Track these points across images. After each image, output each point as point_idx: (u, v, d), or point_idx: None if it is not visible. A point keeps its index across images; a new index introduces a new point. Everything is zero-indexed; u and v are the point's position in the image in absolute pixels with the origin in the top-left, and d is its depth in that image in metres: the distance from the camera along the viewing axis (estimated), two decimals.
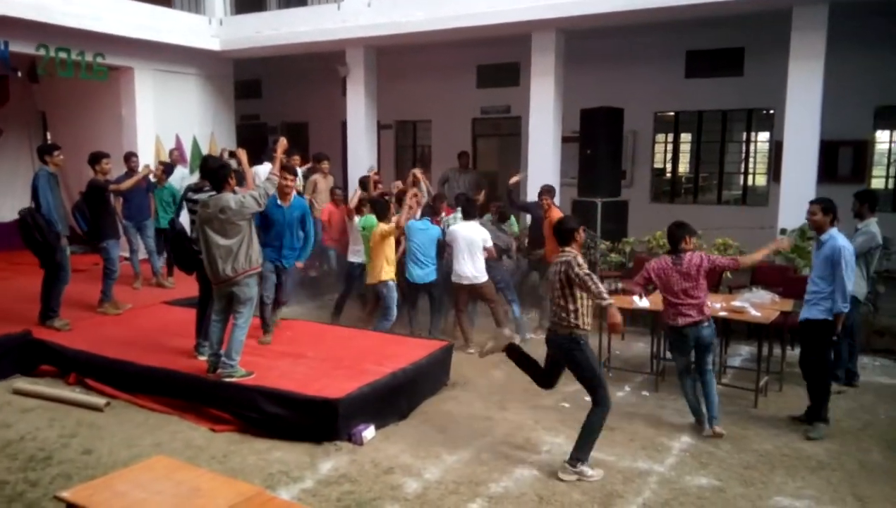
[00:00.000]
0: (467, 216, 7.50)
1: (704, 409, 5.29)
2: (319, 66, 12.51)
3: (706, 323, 5.21)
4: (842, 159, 10.75)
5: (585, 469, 4.54)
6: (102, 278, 7.67)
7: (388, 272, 7.17)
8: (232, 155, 8.48)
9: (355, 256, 8.02)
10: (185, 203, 6.64)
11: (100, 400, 5.66)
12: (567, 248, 4.67)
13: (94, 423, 5.35)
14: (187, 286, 8.65)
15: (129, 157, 9.21)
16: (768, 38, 9.54)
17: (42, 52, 9.55)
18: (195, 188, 6.40)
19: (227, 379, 5.48)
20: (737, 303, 6.11)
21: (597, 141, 8.73)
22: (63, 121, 11.91)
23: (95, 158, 7.61)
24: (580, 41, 10.10)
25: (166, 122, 11.42)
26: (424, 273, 7.39)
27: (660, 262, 5.29)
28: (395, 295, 7.23)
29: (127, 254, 8.88)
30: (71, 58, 9.81)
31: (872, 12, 8.99)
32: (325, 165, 9.96)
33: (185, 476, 3.43)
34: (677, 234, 5.23)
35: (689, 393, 5.36)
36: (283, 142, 6.14)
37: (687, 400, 5.40)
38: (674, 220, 5.40)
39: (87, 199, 7.64)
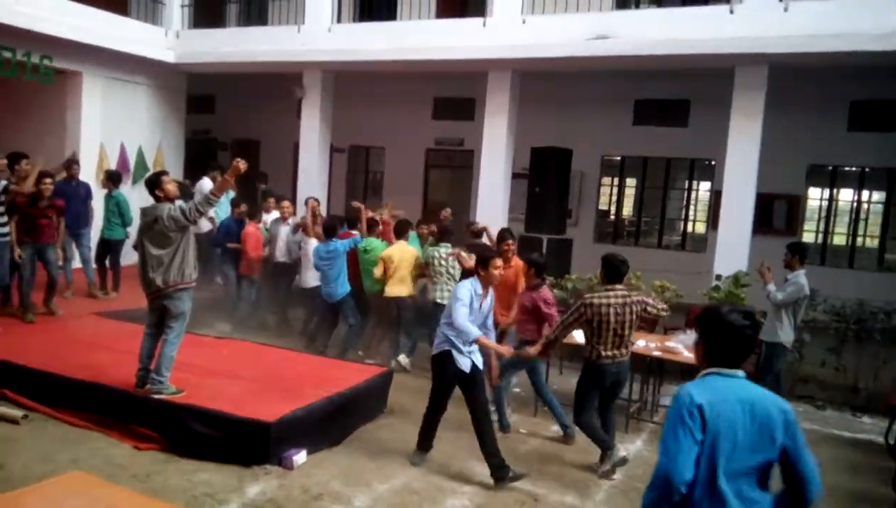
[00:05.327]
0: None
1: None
2: (275, 86, 12.46)
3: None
4: (776, 212, 11.28)
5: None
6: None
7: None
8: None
9: (314, 281, 8.02)
10: None
11: (17, 413, 5.39)
12: (619, 285, 5.12)
13: (9, 437, 5.09)
14: (123, 298, 8.45)
15: (70, 165, 8.94)
16: (713, 93, 9.97)
17: None
18: None
19: (156, 396, 5.32)
20: (670, 344, 6.28)
21: (545, 179, 8.93)
22: (1, 122, 11.48)
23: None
24: (534, 82, 10.36)
25: (112, 131, 11.15)
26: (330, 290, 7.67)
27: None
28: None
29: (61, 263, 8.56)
30: (15, 58, 9.52)
31: (809, 77, 9.52)
32: (275, 203, 9.24)
33: (102, 494, 3.30)
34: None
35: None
36: (237, 165, 5.20)
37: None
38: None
39: None
